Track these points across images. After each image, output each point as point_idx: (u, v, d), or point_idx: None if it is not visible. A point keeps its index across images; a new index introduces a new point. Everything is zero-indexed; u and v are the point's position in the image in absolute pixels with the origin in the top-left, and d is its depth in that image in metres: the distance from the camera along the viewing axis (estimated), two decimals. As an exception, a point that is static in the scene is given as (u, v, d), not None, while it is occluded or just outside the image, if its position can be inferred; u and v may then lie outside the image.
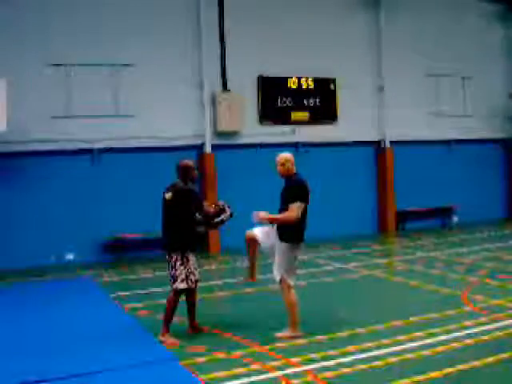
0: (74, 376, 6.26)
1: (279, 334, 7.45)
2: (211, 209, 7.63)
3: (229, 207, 7.72)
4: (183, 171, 7.57)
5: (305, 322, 7.72)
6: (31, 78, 13.96)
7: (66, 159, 14.47)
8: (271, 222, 7.41)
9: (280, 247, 7.39)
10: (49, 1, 14.22)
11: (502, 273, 11.04)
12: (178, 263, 7.39)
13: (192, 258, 7.49)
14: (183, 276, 7.39)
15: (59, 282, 12.19)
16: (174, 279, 7.43)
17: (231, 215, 7.75)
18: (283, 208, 7.35)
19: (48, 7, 14.18)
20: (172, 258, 7.44)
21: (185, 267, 7.39)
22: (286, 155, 7.50)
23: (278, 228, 7.40)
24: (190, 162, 7.67)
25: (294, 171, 7.50)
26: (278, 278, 7.47)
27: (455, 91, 19.25)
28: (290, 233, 7.34)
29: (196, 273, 7.61)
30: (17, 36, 13.87)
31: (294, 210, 7.20)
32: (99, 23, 14.64)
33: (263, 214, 7.31)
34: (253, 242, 7.78)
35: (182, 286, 7.41)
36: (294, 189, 7.33)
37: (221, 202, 7.81)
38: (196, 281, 7.63)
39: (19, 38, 13.88)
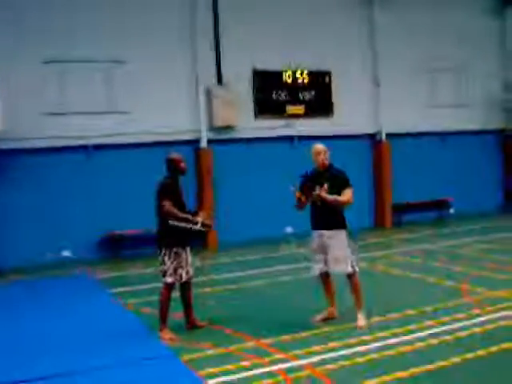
0: (71, 373, 6.25)
1: (361, 323, 7.52)
2: (174, 211, 7.31)
3: (207, 225, 7.47)
4: (168, 165, 7.61)
5: (302, 318, 7.77)
6: (25, 74, 13.88)
7: (61, 156, 14.40)
8: (332, 202, 7.48)
9: (339, 238, 7.54)
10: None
11: (496, 263, 11.08)
12: (166, 257, 7.42)
13: (182, 253, 7.47)
14: (171, 270, 7.41)
15: (56, 279, 12.17)
16: (164, 273, 7.47)
17: (201, 232, 7.53)
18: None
19: (42, 4, 14.09)
20: (161, 252, 7.47)
21: (172, 262, 7.40)
22: (322, 147, 7.73)
23: (328, 219, 7.56)
24: (174, 155, 7.65)
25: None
26: (349, 270, 7.58)
27: (450, 83, 19.23)
28: (343, 218, 7.64)
29: (189, 269, 7.62)
30: (10, 33, 13.76)
31: (351, 194, 7.55)
32: (93, 19, 14.52)
33: (325, 194, 7.42)
34: (324, 277, 7.88)
35: (170, 280, 7.44)
36: (344, 176, 7.65)
37: (198, 217, 7.49)
38: (189, 277, 7.63)
39: (12, 35, 13.78)
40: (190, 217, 7.40)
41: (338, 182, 7.57)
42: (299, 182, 7.80)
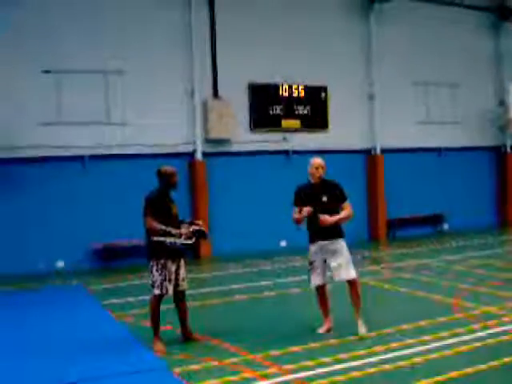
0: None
1: (363, 330, 7.59)
2: (154, 226, 7.24)
3: (190, 238, 7.32)
4: (159, 177, 7.55)
5: (301, 332, 7.76)
6: (23, 84, 13.90)
7: (57, 166, 14.39)
8: (337, 223, 7.63)
9: (341, 245, 7.70)
10: (43, 5, 14.13)
11: (492, 280, 11.07)
12: (154, 269, 7.38)
13: (170, 265, 7.38)
14: (158, 282, 7.36)
15: (49, 290, 12.06)
16: (152, 285, 7.45)
17: (185, 245, 7.33)
18: (324, 207, 7.57)
19: (41, 13, 14.11)
20: (149, 264, 7.45)
21: (160, 274, 7.35)
22: (322, 161, 7.79)
23: (330, 229, 7.60)
24: (166, 168, 7.58)
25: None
26: (354, 275, 7.72)
27: (445, 99, 19.35)
28: (343, 228, 7.78)
29: (180, 282, 7.55)
30: (9, 41, 13.79)
31: (351, 207, 7.71)
32: (92, 30, 14.59)
33: (330, 219, 7.52)
34: (322, 289, 7.93)
35: (157, 292, 7.40)
36: (341, 189, 7.77)
37: (184, 228, 7.35)
38: (180, 291, 7.58)
39: (11, 44, 13.81)
40: (172, 231, 7.28)
41: (336, 194, 7.69)
42: (294, 196, 7.83)
